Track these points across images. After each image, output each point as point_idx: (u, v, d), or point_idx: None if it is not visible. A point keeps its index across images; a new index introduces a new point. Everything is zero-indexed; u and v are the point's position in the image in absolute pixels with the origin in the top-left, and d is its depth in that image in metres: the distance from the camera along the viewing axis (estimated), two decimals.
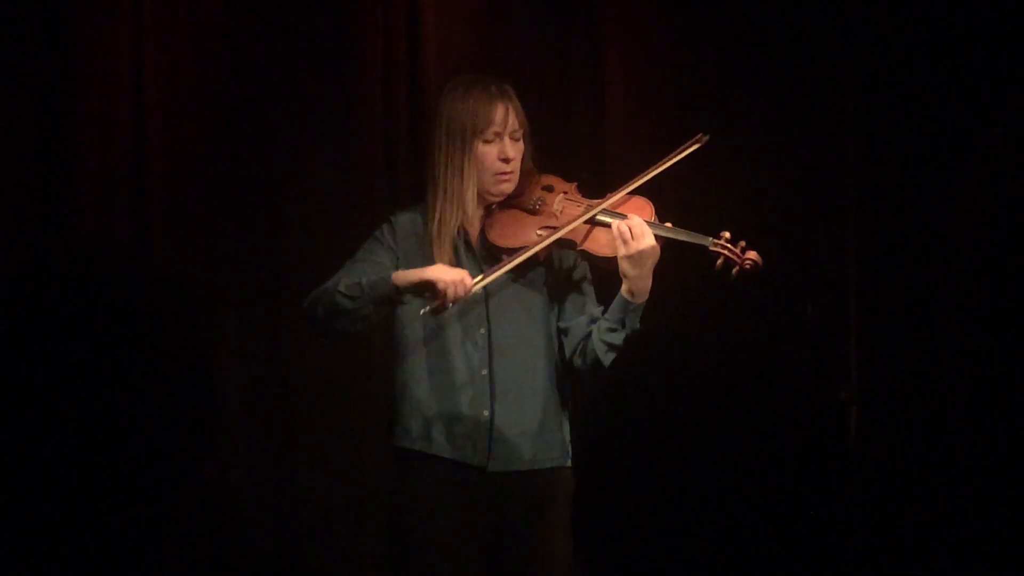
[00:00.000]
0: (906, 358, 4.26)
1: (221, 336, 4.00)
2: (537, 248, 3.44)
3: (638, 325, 3.42)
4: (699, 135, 3.55)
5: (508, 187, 3.50)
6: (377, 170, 4.24)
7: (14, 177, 3.89)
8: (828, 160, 4.37)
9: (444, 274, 3.34)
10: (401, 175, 4.25)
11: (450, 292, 3.31)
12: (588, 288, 3.58)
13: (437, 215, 3.47)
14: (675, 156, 3.52)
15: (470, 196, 3.46)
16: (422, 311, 3.37)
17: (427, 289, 3.34)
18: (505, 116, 3.46)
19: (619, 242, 3.36)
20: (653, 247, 3.36)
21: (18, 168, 3.90)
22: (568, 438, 3.50)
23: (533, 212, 3.53)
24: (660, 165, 3.51)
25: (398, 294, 3.38)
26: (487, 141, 3.46)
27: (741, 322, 4.08)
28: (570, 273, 3.57)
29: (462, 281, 3.33)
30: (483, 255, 3.52)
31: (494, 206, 3.53)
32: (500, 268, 3.42)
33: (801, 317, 4.29)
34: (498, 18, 4.37)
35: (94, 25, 3.96)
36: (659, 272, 3.40)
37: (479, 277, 3.39)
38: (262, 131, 4.16)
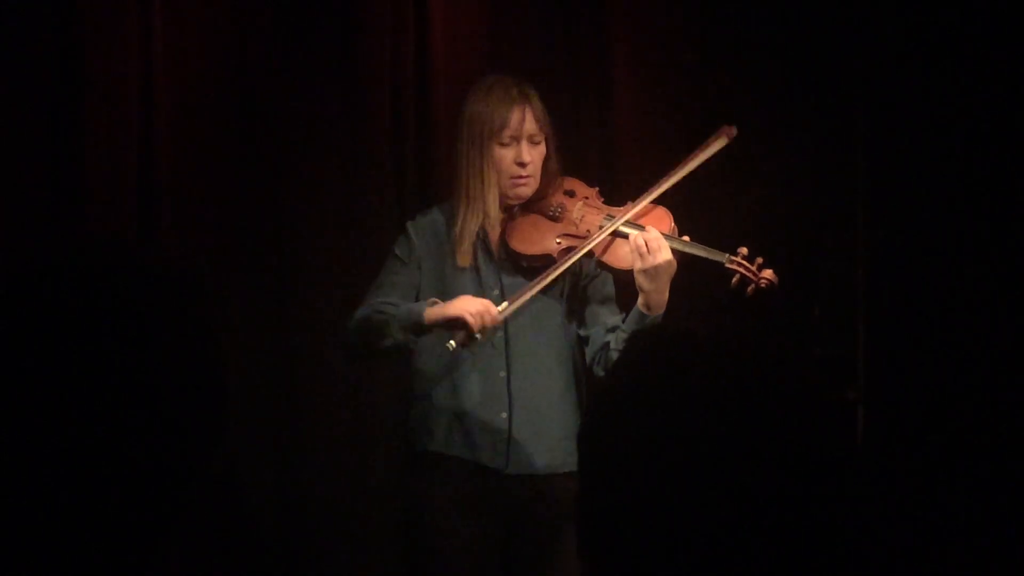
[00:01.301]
0: (912, 358, 4.27)
1: (229, 334, 4.00)
2: (559, 270, 3.43)
3: None
4: (724, 127, 3.52)
5: (526, 191, 3.49)
6: (385, 170, 4.23)
7: (23, 175, 3.89)
8: (836, 162, 4.37)
9: (469, 306, 3.34)
10: (408, 175, 4.24)
11: (476, 324, 3.31)
12: (609, 297, 3.56)
13: (460, 217, 3.46)
14: (700, 155, 3.48)
15: (491, 199, 3.45)
16: (451, 346, 3.37)
17: (456, 325, 3.35)
18: (522, 120, 3.44)
19: (635, 256, 3.34)
20: (669, 262, 3.33)
21: (27, 166, 3.90)
22: None
23: (553, 218, 3.51)
24: (686, 165, 3.48)
25: (429, 329, 3.40)
26: (503, 144, 3.45)
27: (748, 322, 4.08)
28: (591, 281, 3.55)
29: (486, 311, 3.33)
30: (501, 258, 3.51)
31: (516, 209, 3.52)
32: (523, 295, 3.41)
33: (808, 318, 4.29)
34: (506, 19, 4.37)
35: (103, 24, 3.96)
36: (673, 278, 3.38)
37: (503, 305, 3.39)
38: (270, 131, 4.16)
